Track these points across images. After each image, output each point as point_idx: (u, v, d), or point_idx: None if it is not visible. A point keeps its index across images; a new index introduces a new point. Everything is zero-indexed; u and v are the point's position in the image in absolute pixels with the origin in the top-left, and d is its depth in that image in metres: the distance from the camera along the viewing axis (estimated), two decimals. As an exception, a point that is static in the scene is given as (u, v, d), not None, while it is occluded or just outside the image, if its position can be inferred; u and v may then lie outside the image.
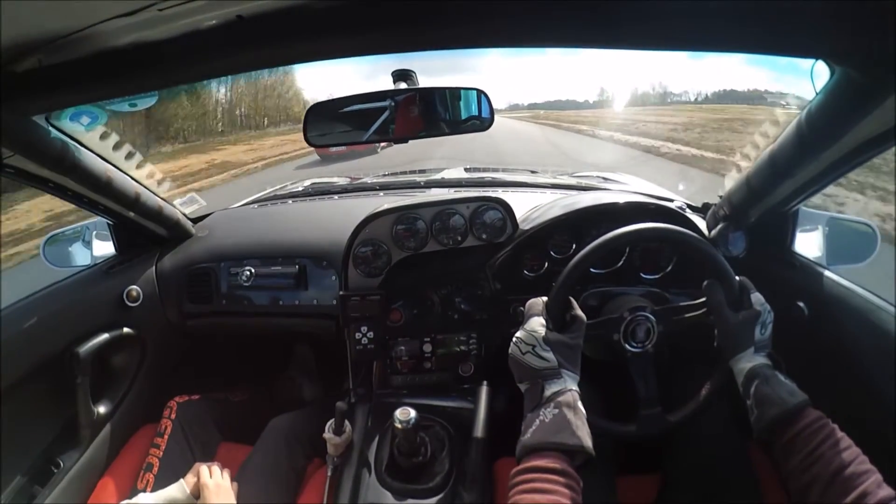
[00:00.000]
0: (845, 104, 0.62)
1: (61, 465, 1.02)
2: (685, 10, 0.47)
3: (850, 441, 0.60)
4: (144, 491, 0.98)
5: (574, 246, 1.12)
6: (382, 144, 8.65)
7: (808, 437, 0.61)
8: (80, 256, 1.27)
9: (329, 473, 0.99)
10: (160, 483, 0.98)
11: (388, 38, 0.51)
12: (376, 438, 1.01)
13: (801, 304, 0.96)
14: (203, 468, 0.93)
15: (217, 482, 0.91)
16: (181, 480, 0.92)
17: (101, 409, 1.11)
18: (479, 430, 0.97)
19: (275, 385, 1.62)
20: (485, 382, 1.07)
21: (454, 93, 0.84)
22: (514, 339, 0.72)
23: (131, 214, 1.13)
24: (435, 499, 0.91)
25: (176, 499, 0.90)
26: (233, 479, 0.97)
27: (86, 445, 1.07)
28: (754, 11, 0.47)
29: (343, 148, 7.92)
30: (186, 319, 1.29)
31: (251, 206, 1.58)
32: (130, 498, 0.89)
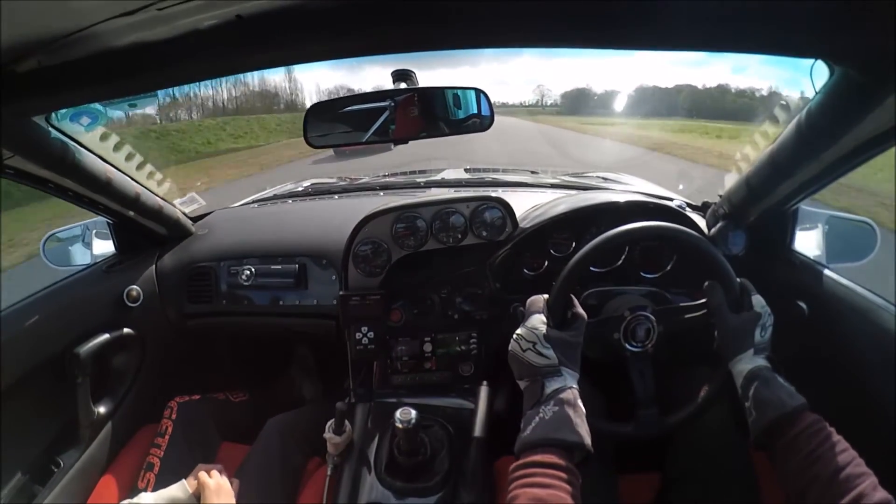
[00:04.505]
0: (845, 104, 0.62)
1: (61, 464, 1.02)
2: (684, 11, 0.47)
3: (846, 444, 0.61)
4: (145, 490, 0.98)
5: (574, 245, 1.12)
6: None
7: (805, 440, 0.62)
8: (80, 256, 1.27)
9: (329, 473, 0.99)
10: (161, 483, 0.98)
11: (388, 38, 0.51)
12: (376, 438, 1.01)
13: (800, 303, 0.96)
14: (202, 471, 0.93)
15: (218, 482, 0.91)
16: (183, 480, 0.92)
17: (102, 409, 1.11)
18: (479, 429, 0.97)
19: (275, 385, 1.62)
20: (485, 382, 1.07)
21: (454, 93, 0.84)
22: (514, 336, 0.72)
23: (131, 214, 1.13)
24: (435, 498, 0.91)
25: (178, 498, 0.90)
26: (232, 478, 0.97)
27: (86, 445, 1.07)
28: (754, 11, 0.47)
29: None
30: (186, 319, 1.29)
31: (251, 205, 1.58)
32: (131, 497, 0.89)
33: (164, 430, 1.11)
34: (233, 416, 1.26)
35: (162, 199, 1.20)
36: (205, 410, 1.19)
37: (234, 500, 0.92)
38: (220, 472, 0.94)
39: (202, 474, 0.92)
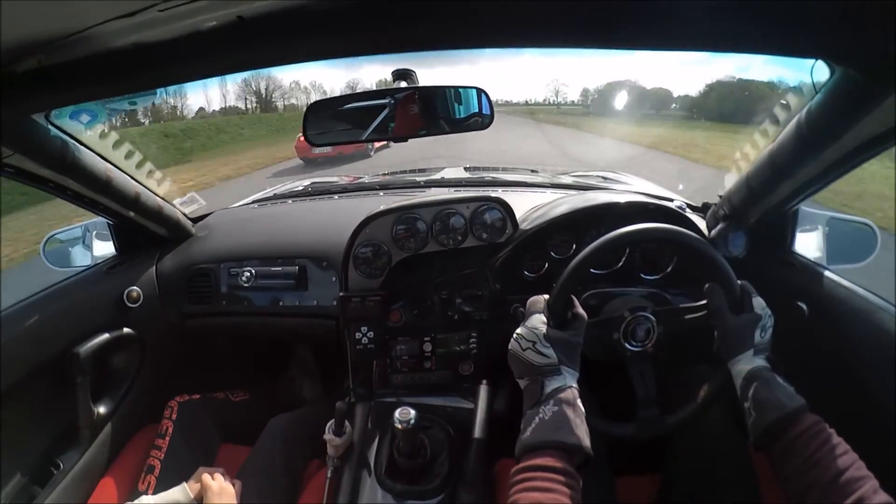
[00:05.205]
0: (845, 104, 0.62)
1: (61, 465, 1.02)
2: (684, 10, 0.47)
3: (847, 446, 0.60)
4: (146, 493, 0.98)
5: (574, 246, 1.12)
6: (376, 146, 8.00)
7: (805, 441, 0.61)
8: (81, 257, 1.27)
9: (329, 475, 0.99)
10: (162, 485, 0.98)
11: (388, 37, 0.51)
12: (376, 439, 1.01)
13: (800, 304, 0.96)
14: (205, 473, 0.93)
15: (220, 484, 0.91)
16: (184, 483, 0.92)
17: (101, 410, 1.11)
18: (478, 430, 0.97)
19: (275, 385, 1.62)
20: (484, 381, 1.07)
21: (454, 91, 0.84)
22: (514, 336, 0.72)
23: (131, 214, 1.13)
24: (435, 501, 0.91)
25: (179, 502, 0.90)
26: (233, 480, 0.97)
27: (86, 446, 1.07)
28: (754, 11, 0.47)
29: (329, 149, 7.10)
30: (186, 320, 1.29)
31: (251, 205, 1.58)
32: (132, 500, 0.89)
33: (164, 430, 1.10)
34: (233, 415, 1.26)
35: (162, 199, 1.20)
36: (205, 410, 1.19)
37: (236, 503, 0.92)
38: (223, 474, 0.94)
39: (205, 476, 0.92)
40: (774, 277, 0.99)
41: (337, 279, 1.19)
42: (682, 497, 0.91)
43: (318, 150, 7.28)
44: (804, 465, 0.60)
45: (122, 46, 0.54)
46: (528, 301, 0.76)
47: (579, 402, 0.66)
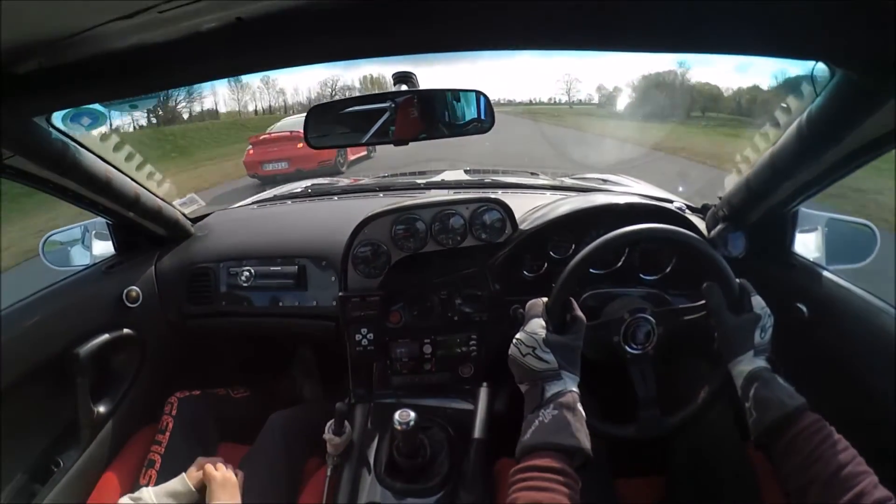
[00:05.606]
0: (846, 106, 0.63)
1: (62, 463, 1.02)
2: (685, 12, 0.47)
3: (847, 443, 0.61)
4: (147, 486, 0.98)
5: (573, 247, 1.12)
6: (349, 159, 7.42)
7: (805, 439, 0.62)
8: (80, 256, 1.27)
9: (328, 473, 0.99)
10: (163, 479, 0.98)
11: (388, 40, 0.51)
12: (375, 439, 1.01)
13: (800, 305, 0.96)
14: (208, 463, 0.93)
15: (224, 475, 0.92)
16: (183, 474, 0.93)
17: (101, 409, 1.11)
18: (478, 430, 0.97)
19: (275, 385, 1.62)
20: (484, 383, 1.07)
21: (453, 95, 0.84)
22: (514, 341, 0.72)
23: (131, 214, 1.13)
24: (434, 499, 0.91)
25: (178, 491, 0.90)
26: (236, 470, 0.97)
27: (86, 444, 1.07)
28: (754, 13, 0.47)
29: (285, 166, 6.54)
30: (186, 320, 1.29)
31: (250, 206, 1.59)
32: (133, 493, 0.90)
33: (164, 426, 1.11)
34: (233, 411, 1.26)
35: (162, 199, 1.20)
36: (205, 406, 1.19)
37: (238, 493, 0.92)
38: (226, 465, 0.94)
39: (208, 466, 0.92)
40: (774, 278, 1.00)
41: (336, 279, 1.19)
42: (683, 497, 0.91)
43: (270, 167, 6.74)
44: (805, 461, 0.61)
45: (123, 48, 0.54)
46: (527, 304, 0.76)
47: (579, 405, 0.66)
